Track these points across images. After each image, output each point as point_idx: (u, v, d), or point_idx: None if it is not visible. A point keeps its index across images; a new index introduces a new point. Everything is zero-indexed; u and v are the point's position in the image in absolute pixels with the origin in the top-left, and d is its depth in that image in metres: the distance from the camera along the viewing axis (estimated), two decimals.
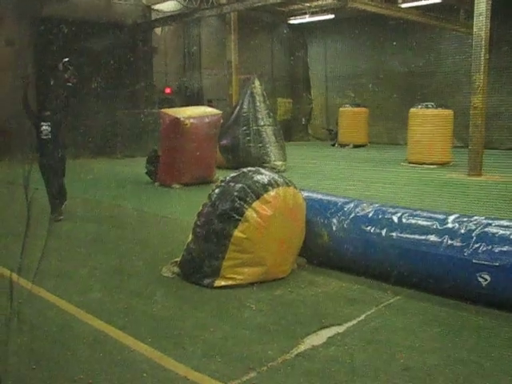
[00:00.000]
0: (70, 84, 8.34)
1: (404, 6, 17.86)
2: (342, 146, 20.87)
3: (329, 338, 4.11)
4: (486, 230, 4.78)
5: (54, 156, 8.28)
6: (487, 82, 12.90)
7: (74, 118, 12.80)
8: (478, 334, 4.20)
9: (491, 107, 16.13)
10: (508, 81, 18.65)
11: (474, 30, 12.69)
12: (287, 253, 5.50)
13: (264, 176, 5.46)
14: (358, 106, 21.10)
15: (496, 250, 4.56)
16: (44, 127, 8.21)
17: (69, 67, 8.36)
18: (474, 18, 12.70)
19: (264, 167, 6.86)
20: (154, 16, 20.15)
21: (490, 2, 12.53)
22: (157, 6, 20.08)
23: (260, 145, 13.68)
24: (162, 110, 12.81)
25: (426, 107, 15.51)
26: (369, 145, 20.87)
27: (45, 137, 8.23)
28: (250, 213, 5.14)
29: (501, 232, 4.73)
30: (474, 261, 4.63)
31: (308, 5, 19.66)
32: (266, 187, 5.30)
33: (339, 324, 4.35)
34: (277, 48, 24.27)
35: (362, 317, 4.52)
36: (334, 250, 5.66)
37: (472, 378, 3.51)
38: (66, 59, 8.42)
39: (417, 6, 17.95)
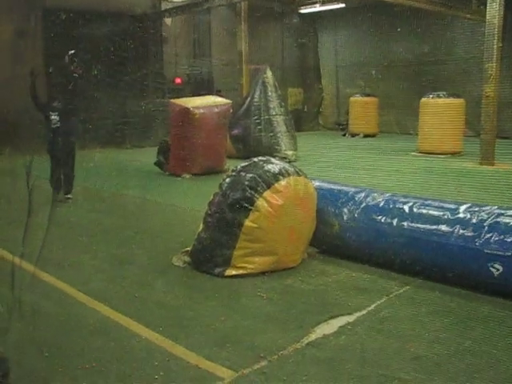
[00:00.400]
0: (76, 75, 8.64)
1: None
2: (353, 135, 20.80)
3: (339, 327, 4.12)
4: (498, 219, 4.75)
5: (62, 144, 8.65)
6: (500, 70, 12.77)
7: (83, 108, 12.85)
8: (488, 324, 4.19)
9: (504, 96, 15.95)
10: None
11: (487, 17, 12.55)
12: (298, 242, 5.50)
13: (275, 165, 5.46)
14: (369, 95, 20.98)
15: (508, 240, 4.54)
16: (53, 117, 8.59)
17: (74, 59, 8.63)
18: (487, 5, 12.55)
19: (275, 157, 6.85)
20: (163, 6, 20.09)
21: None
22: None
23: (271, 134, 13.66)
24: (172, 99, 12.81)
25: (438, 96, 15.38)
26: (379, 134, 20.78)
27: (54, 126, 8.61)
28: (260, 202, 5.14)
29: None
30: (485, 251, 4.61)
31: None
32: (276, 177, 5.30)
33: (349, 313, 4.36)
34: (287, 37, 24.13)
35: (372, 306, 4.53)
36: (345, 240, 5.66)
37: (481, 367, 3.51)
38: (72, 51, 8.69)
39: None
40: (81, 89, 9.15)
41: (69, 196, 8.89)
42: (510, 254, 4.49)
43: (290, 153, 13.53)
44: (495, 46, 12.44)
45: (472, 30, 18.83)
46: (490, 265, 4.55)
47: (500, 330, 4.09)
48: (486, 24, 12.58)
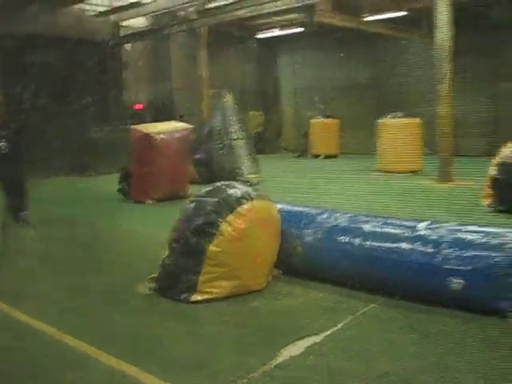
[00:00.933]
0: (25, 106, 9.05)
1: (370, 18, 18.18)
2: (314, 157, 21.04)
3: (307, 347, 4.15)
4: (457, 235, 4.88)
5: (11, 169, 9.09)
6: (453, 90, 13.16)
7: (44, 135, 12.77)
8: (452, 338, 4.27)
9: (459, 115, 16.36)
10: (475, 89, 19.08)
11: (437, 40, 12.97)
12: (262, 265, 5.53)
13: (237, 189, 5.50)
14: (329, 117, 21.30)
15: (467, 255, 4.66)
16: (1, 143, 9.09)
17: (24, 91, 9.07)
18: (436, 29, 13.00)
19: (237, 181, 6.91)
20: (123, 32, 20.10)
21: (451, 14, 12.83)
22: (126, 23, 20.04)
23: (233, 158, 13.72)
24: (133, 126, 12.78)
25: (395, 117, 15.74)
26: (341, 155, 21.08)
27: (2, 152, 9.08)
28: (224, 226, 5.17)
29: (471, 237, 4.84)
30: (445, 266, 4.72)
31: (276, 19, 19.88)
32: (239, 200, 5.34)
33: (316, 334, 4.38)
34: (247, 62, 24.36)
35: (339, 326, 4.57)
36: (309, 261, 5.71)
37: (448, 381, 3.58)
38: (21, 84, 9.21)
39: (382, 18, 18.33)
40: (30, 118, 9.48)
41: (24, 213, 9.09)
42: (469, 268, 4.60)
43: (252, 176, 13.60)
44: (446, 68, 12.87)
45: (427, 51, 19.37)
46: (450, 280, 4.65)
47: (463, 343, 4.18)
48: (436, 47, 13.01)
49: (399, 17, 18.39)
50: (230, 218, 5.21)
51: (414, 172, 14.93)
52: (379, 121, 16.05)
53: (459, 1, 13.82)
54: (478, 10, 17.09)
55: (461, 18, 13.63)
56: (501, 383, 3.60)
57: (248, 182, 12.04)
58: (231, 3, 16.40)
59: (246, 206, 5.33)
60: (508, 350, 4.03)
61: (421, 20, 17.84)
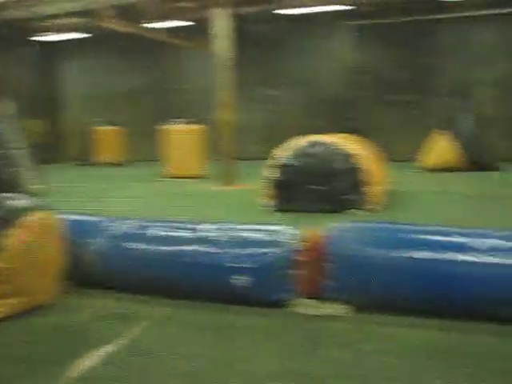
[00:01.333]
0: None
1: (154, 26, 18.43)
2: (98, 164, 20.71)
3: (103, 357, 4.10)
4: (240, 234, 5.23)
5: None
6: (235, 98, 13.91)
7: None
8: (244, 333, 4.55)
9: (243, 122, 17.24)
10: (255, 97, 20.40)
11: (215, 50, 13.68)
12: (51, 278, 5.34)
13: (20, 201, 5.27)
14: (113, 124, 21.10)
15: (251, 253, 5.01)
16: None
17: None
18: (213, 39, 13.69)
19: (20, 192, 6.58)
20: None
21: (231, 26, 13.59)
22: None
23: (14, 169, 12.85)
24: None
25: (178, 123, 16.20)
26: (127, 163, 20.99)
27: None
28: (6, 240, 4.90)
29: (254, 235, 5.24)
30: (230, 265, 5.01)
31: (59, 22, 19.15)
32: (23, 212, 5.10)
33: (113, 342, 4.36)
34: (26, 67, 23.03)
35: (136, 332, 4.60)
36: (100, 271, 5.60)
37: (239, 371, 3.85)
38: None
39: (168, 27, 18.73)
40: None
41: None
42: (253, 266, 4.95)
43: (35, 187, 12.88)
44: (226, 76, 13.60)
45: (210, 60, 20.17)
46: (236, 278, 4.96)
47: (255, 337, 4.48)
48: (215, 56, 13.71)
49: (185, 26, 18.93)
50: (13, 231, 4.95)
51: (198, 177, 15.44)
52: (161, 127, 16.37)
53: (240, 15, 14.73)
54: (258, 26, 18.44)
55: (242, 31, 14.51)
56: (285, 370, 3.94)
57: (31, 193, 11.44)
58: (6, 2, 15.46)
59: (30, 218, 5.10)
60: (283, 333, 4.49)
61: (205, 30, 18.61)
